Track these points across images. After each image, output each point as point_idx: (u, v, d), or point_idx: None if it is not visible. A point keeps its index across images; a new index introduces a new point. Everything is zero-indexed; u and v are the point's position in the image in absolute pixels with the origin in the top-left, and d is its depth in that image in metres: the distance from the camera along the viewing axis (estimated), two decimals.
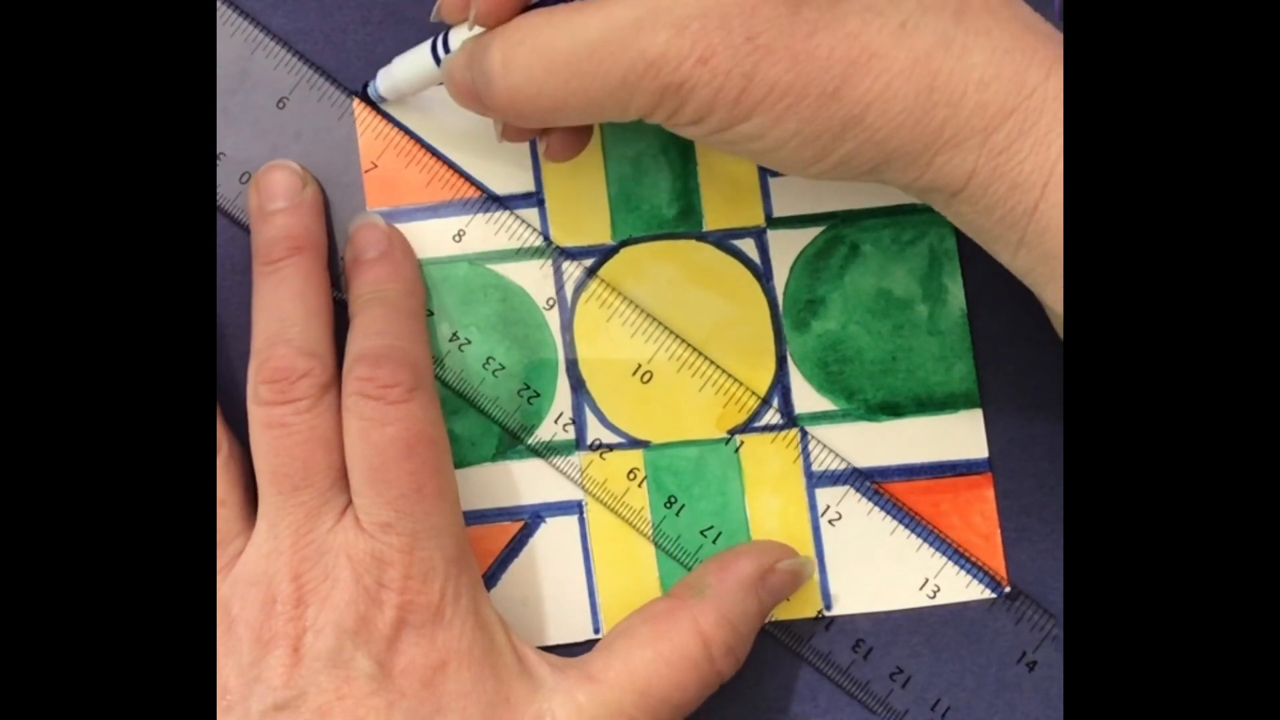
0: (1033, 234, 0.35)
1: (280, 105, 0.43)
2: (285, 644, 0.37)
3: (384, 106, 0.43)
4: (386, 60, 0.42)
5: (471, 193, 0.43)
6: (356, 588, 0.37)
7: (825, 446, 0.42)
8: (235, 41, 0.43)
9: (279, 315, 0.40)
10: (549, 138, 0.40)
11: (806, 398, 0.42)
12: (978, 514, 0.42)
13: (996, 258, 0.37)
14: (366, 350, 0.39)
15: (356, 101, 0.43)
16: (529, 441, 0.42)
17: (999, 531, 0.42)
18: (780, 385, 0.43)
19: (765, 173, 0.43)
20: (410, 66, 0.41)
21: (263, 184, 0.42)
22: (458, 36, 0.39)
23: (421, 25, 0.43)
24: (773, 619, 0.42)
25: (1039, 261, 0.36)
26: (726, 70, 0.34)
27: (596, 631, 0.42)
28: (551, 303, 0.43)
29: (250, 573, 0.38)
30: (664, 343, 0.42)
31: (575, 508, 0.42)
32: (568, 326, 0.43)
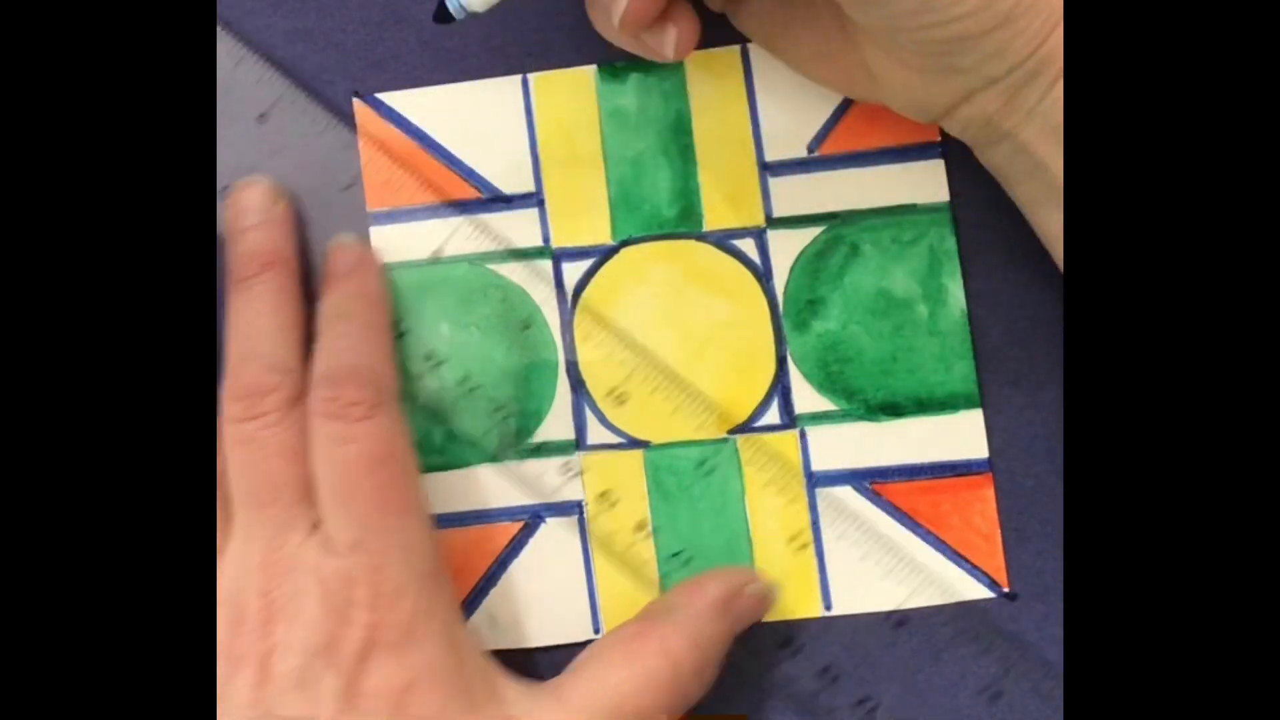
0: None
1: (261, 120, 0.43)
2: (253, 663, 0.37)
3: (397, 97, 0.43)
4: (387, 60, 0.42)
5: (471, 193, 0.43)
6: (324, 607, 0.37)
7: (826, 446, 0.42)
8: (218, 56, 0.43)
9: (250, 332, 0.40)
10: (664, 29, 0.38)
11: (807, 398, 0.42)
12: (978, 514, 0.42)
13: (1045, 213, 0.36)
14: (329, 370, 0.39)
15: (357, 102, 0.43)
16: (529, 441, 0.42)
17: (999, 531, 0.42)
18: (780, 385, 0.43)
19: (765, 172, 0.43)
20: None
21: (235, 202, 0.42)
22: None
23: (422, 26, 0.43)
24: (775, 619, 0.42)
25: None
26: None
27: (596, 631, 0.42)
28: (551, 303, 0.43)
29: (221, 590, 0.38)
30: (665, 341, 0.42)
31: (575, 508, 0.42)
32: (567, 327, 0.43)
